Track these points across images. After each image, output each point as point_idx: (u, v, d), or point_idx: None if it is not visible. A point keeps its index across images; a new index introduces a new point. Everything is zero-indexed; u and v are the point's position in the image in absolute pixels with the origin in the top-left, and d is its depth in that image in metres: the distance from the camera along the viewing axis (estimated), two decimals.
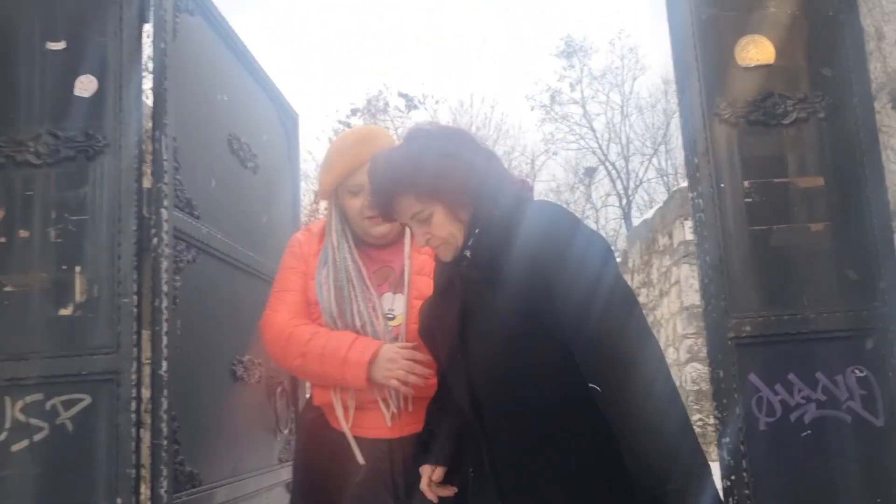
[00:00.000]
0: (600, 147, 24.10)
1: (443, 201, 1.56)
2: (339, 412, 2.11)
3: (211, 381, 2.59)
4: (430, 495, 1.78)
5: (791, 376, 2.13)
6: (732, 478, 2.08)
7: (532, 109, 24.67)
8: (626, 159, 24.09)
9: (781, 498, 2.07)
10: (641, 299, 9.45)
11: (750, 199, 2.23)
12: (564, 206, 1.97)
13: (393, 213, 1.64)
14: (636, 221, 13.92)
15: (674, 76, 2.39)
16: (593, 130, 24.20)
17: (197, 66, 2.58)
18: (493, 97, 35.47)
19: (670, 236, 7.71)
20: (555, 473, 1.49)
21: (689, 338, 7.14)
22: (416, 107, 23.44)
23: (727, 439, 2.10)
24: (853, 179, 2.22)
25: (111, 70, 2.28)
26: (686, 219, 7.01)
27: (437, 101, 23.20)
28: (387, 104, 21.20)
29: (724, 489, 2.10)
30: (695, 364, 7.07)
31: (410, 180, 1.56)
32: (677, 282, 7.42)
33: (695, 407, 7.08)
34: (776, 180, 2.24)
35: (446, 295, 1.64)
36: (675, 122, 22.35)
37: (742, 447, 2.09)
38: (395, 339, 2.10)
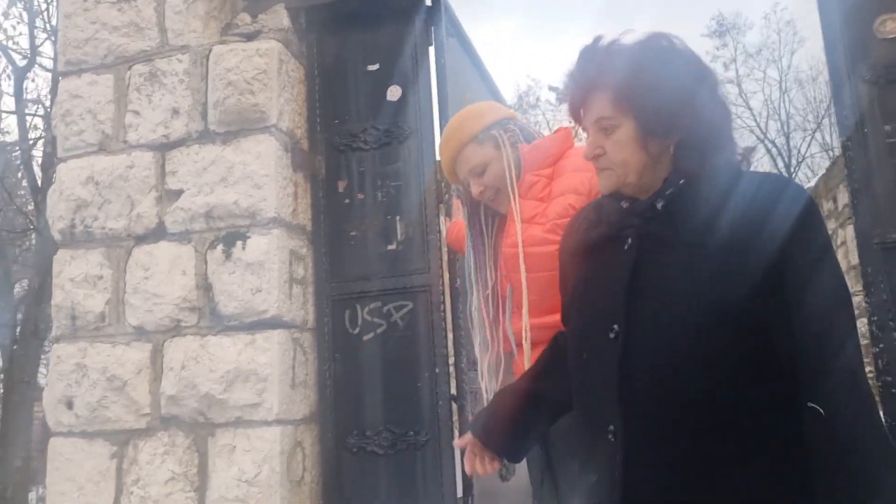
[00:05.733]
0: (758, 125, 23.67)
1: (638, 119, 1.27)
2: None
3: None
4: (472, 467, 1.54)
5: None
6: (881, 345, 2.81)
7: None
8: (787, 136, 23.52)
9: None
10: None
11: (892, 140, 2.93)
12: None
13: (580, 111, 1.37)
14: None
15: (824, 50, 3.11)
16: (750, 109, 23.79)
17: (456, 72, 3.59)
18: None
19: (835, 200, 8.06)
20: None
21: (856, 294, 7.49)
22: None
23: (875, 317, 2.83)
24: None
25: (409, 80, 3.32)
26: None
27: None
28: (538, 99, 21.99)
29: (875, 354, 2.83)
30: (863, 319, 7.41)
31: (615, 77, 1.29)
32: (843, 243, 7.76)
33: (866, 360, 7.44)
34: None
35: (609, 252, 1.34)
36: None
37: (891, 323, 2.81)
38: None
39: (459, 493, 3.12)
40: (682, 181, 1.27)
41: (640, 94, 1.28)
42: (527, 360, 2.06)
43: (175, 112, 3.12)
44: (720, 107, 1.32)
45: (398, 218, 3.26)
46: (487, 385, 2.38)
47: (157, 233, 3.07)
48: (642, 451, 1.21)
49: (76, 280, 3.09)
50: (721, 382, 1.19)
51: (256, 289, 2.93)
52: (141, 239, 3.09)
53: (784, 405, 1.19)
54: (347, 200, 3.32)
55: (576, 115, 1.38)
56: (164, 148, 3.12)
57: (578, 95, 1.35)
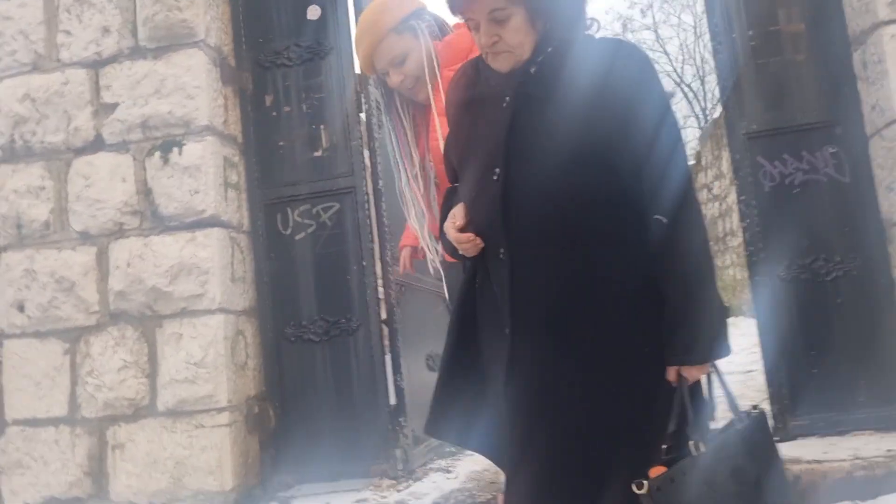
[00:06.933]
0: (675, 70, 24.38)
1: (527, 6, 1.52)
2: None
3: None
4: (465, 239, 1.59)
5: (785, 155, 3.26)
6: (747, 221, 3.26)
7: None
8: (702, 80, 24.28)
9: (781, 229, 3.21)
10: (714, 191, 10.43)
11: (754, 43, 3.34)
12: None
13: (466, 5, 1.55)
14: None
15: None
16: (667, 54, 24.41)
17: None
18: None
19: None
20: (586, 300, 1.51)
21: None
22: None
23: (743, 196, 3.27)
24: (823, 22, 3.30)
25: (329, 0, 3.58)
26: None
27: None
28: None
29: (744, 227, 3.28)
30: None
31: None
32: None
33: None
34: (771, 28, 3.34)
35: (489, 108, 1.60)
36: None
37: (753, 202, 3.25)
38: None
39: (393, 401, 3.44)
40: (549, 49, 1.53)
41: None
42: None
43: (106, 30, 3.30)
44: None
45: (323, 127, 3.54)
46: (432, 249, 2.50)
47: (96, 144, 3.28)
48: (524, 265, 1.53)
49: (19, 191, 3.28)
50: (583, 208, 1.49)
51: (195, 190, 3.18)
52: (80, 151, 3.29)
53: (634, 223, 1.51)
54: (275, 113, 3.58)
55: (460, 8, 1.56)
56: (97, 65, 3.31)
57: None
